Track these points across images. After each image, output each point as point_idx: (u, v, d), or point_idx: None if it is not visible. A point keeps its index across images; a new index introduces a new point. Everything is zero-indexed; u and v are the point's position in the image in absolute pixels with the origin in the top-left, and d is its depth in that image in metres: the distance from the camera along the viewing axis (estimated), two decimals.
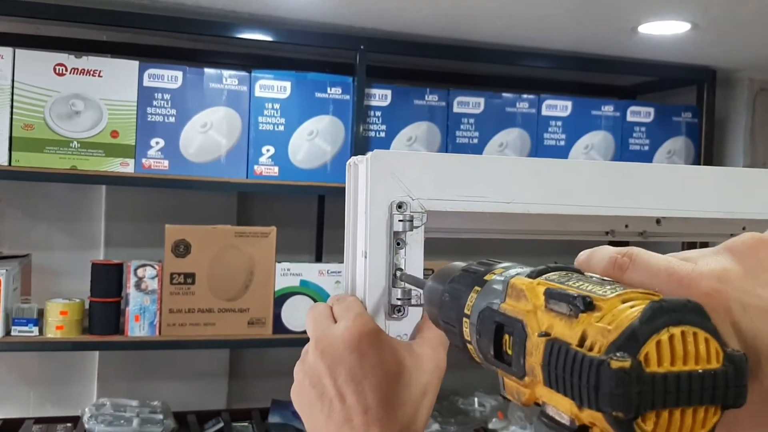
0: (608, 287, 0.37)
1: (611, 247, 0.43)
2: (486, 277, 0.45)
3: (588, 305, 0.35)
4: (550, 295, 0.37)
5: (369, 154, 0.61)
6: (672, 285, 0.39)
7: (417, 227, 0.61)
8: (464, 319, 0.44)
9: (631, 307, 0.34)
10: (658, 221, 0.70)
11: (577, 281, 0.39)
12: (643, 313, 0.33)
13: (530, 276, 0.41)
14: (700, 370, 0.32)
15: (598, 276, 0.40)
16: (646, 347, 0.32)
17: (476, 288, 0.44)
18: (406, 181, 0.60)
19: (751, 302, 0.37)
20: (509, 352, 0.39)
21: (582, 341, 0.34)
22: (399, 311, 0.61)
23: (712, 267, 0.39)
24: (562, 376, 0.34)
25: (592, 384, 0.32)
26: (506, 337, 0.39)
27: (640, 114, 2.65)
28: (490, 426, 2.55)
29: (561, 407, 0.35)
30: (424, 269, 0.62)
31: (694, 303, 0.34)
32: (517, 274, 0.43)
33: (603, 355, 0.32)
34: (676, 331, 0.32)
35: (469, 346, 0.44)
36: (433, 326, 0.57)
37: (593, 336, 0.33)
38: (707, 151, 2.66)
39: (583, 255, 0.45)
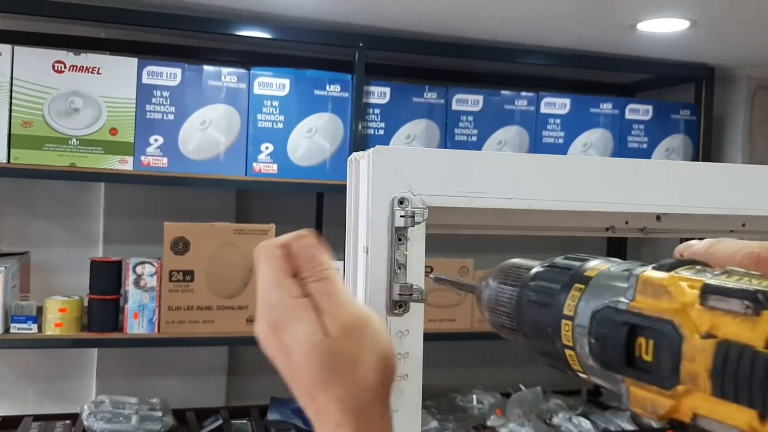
0: (763, 279, 0.33)
1: (734, 240, 0.40)
2: (587, 273, 0.40)
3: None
4: (711, 290, 0.33)
5: (371, 150, 0.61)
6: None
7: (418, 223, 0.61)
8: (564, 321, 0.40)
9: None
10: (658, 217, 0.70)
11: (729, 275, 0.35)
12: None
13: (665, 270, 0.37)
14: None
15: (741, 270, 0.36)
16: None
17: (577, 285, 0.40)
18: (408, 177, 0.60)
19: None
20: (647, 357, 0.35)
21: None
22: (400, 307, 0.61)
23: None
24: (744, 384, 0.30)
25: None
26: (641, 340, 0.35)
27: (639, 111, 2.65)
28: (489, 423, 2.55)
29: (733, 421, 0.31)
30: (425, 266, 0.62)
31: None
32: (628, 269, 0.38)
33: None
34: None
35: (568, 352, 0.40)
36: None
37: None
38: (705, 148, 2.67)
39: (695, 248, 0.41)
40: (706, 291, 0.33)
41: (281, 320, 0.50)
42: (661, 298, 0.35)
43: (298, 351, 0.49)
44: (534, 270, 0.45)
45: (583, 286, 0.40)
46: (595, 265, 0.41)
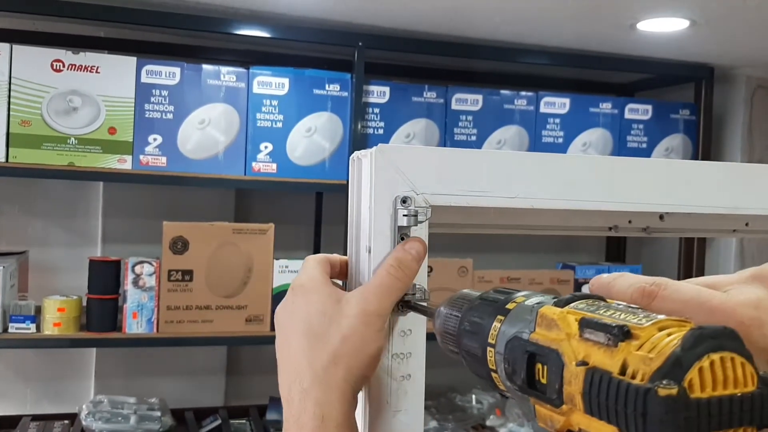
0: (641, 316, 0.38)
1: (635, 275, 0.45)
2: (508, 306, 0.45)
3: (626, 334, 0.36)
4: (586, 324, 0.38)
5: (373, 148, 0.60)
6: (703, 313, 0.41)
7: (421, 222, 0.60)
8: (488, 348, 0.45)
9: (669, 335, 0.35)
10: (661, 217, 0.70)
11: (608, 310, 0.40)
12: (684, 341, 0.34)
13: (557, 305, 0.42)
14: (739, 394, 0.34)
15: (624, 304, 0.42)
16: (690, 374, 0.33)
17: (499, 317, 0.45)
18: (411, 176, 0.60)
19: None
20: (543, 380, 0.40)
21: (623, 370, 0.35)
22: (403, 306, 0.61)
23: (748, 296, 0.41)
24: (605, 405, 0.35)
25: (639, 412, 0.33)
26: (539, 366, 0.40)
27: (638, 111, 2.65)
28: (488, 423, 2.55)
29: None
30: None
31: (730, 329, 0.35)
32: (540, 302, 0.43)
33: (648, 383, 0.33)
34: (716, 357, 0.34)
35: (494, 374, 0.45)
36: (378, 278, 0.57)
37: (635, 364, 0.35)
38: (705, 148, 2.67)
39: (601, 281, 0.46)
40: (582, 324, 0.38)
41: None
42: (552, 330, 0.40)
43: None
44: (471, 302, 0.51)
45: (503, 318, 0.45)
46: (516, 297, 0.46)
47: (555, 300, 0.43)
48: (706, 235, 0.76)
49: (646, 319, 0.37)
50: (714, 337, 0.34)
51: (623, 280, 0.45)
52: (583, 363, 0.37)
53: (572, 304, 0.41)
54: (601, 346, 0.36)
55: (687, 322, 0.37)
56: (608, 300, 0.42)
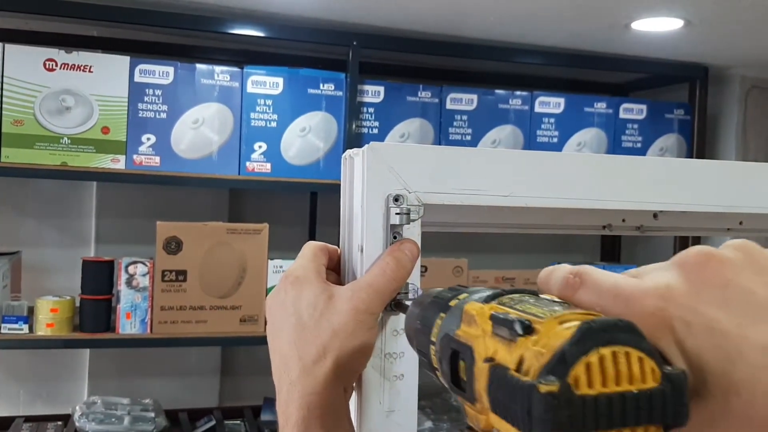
0: (556, 308, 0.36)
1: (567, 267, 0.42)
2: (451, 303, 0.44)
3: (527, 329, 0.34)
4: (494, 319, 0.37)
5: (365, 146, 0.60)
6: (619, 304, 0.38)
7: (414, 220, 0.60)
8: (431, 346, 0.44)
9: (566, 329, 0.33)
10: (655, 215, 0.70)
11: (527, 304, 0.38)
12: (573, 335, 0.32)
13: (485, 300, 0.40)
14: (635, 391, 0.31)
15: (550, 298, 0.40)
16: (575, 369, 0.31)
17: (441, 315, 0.44)
18: (403, 174, 0.60)
19: (695, 320, 0.36)
20: (464, 378, 0.38)
21: (519, 365, 0.33)
22: (396, 305, 0.60)
23: (656, 284, 0.38)
24: (503, 402, 0.33)
25: (525, 409, 0.31)
26: (461, 363, 0.39)
27: (633, 111, 2.65)
28: None
29: None
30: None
31: (626, 322, 0.33)
32: (478, 299, 0.42)
33: (534, 380, 0.31)
34: (606, 351, 0.32)
35: (437, 373, 0.44)
36: (372, 277, 0.58)
37: (529, 360, 0.33)
38: (699, 148, 2.67)
39: (542, 274, 0.43)
40: (492, 320, 0.37)
41: None
42: (472, 326, 0.39)
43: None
44: (425, 299, 0.49)
45: (444, 315, 0.44)
46: (459, 295, 0.45)
47: (485, 296, 0.41)
48: (700, 233, 0.76)
49: (551, 313, 0.35)
50: (605, 331, 0.32)
51: (556, 272, 0.42)
52: (490, 359, 0.35)
53: (498, 299, 0.40)
54: (506, 341, 0.35)
55: (594, 315, 0.35)
56: (541, 295, 0.41)
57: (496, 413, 0.34)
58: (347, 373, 0.57)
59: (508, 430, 0.34)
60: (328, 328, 0.56)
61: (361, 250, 0.60)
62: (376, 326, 0.58)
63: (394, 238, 0.60)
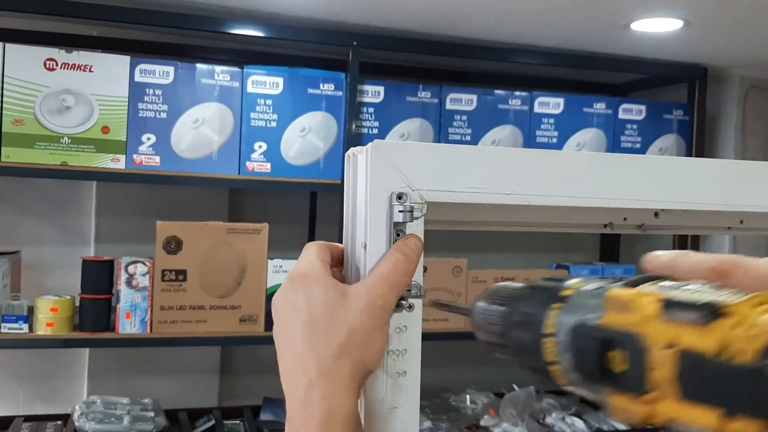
0: (726, 293, 0.36)
1: (696, 254, 0.43)
2: (563, 293, 0.43)
3: (719, 312, 0.34)
4: (670, 304, 0.36)
5: (369, 144, 0.60)
6: None
7: (417, 218, 0.60)
8: (544, 339, 0.43)
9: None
10: (656, 214, 0.70)
11: (685, 289, 0.38)
12: None
13: (627, 287, 0.40)
14: None
15: (699, 283, 0.40)
16: None
17: (554, 305, 0.43)
18: (406, 172, 0.60)
19: None
20: (618, 369, 0.38)
21: (720, 350, 0.33)
22: (399, 303, 0.60)
23: None
24: (704, 388, 0.33)
25: (749, 392, 0.31)
26: (612, 353, 0.38)
27: (632, 111, 2.65)
28: (482, 423, 2.55)
29: (700, 421, 0.34)
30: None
31: None
32: (600, 287, 0.41)
33: (759, 362, 0.32)
34: None
35: (552, 367, 0.43)
36: (385, 273, 0.56)
37: (737, 343, 0.33)
38: (698, 148, 2.68)
39: (660, 259, 0.44)
40: (666, 305, 0.36)
41: None
42: (626, 314, 0.38)
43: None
44: (518, 291, 0.48)
45: (560, 305, 0.43)
46: (571, 284, 0.44)
47: (623, 283, 0.41)
48: (701, 232, 0.76)
49: (737, 296, 0.35)
50: None
51: (686, 259, 0.43)
52: (671, 345, 0.35)
53: (641, 286, 0.39)
54: (691, 326, 0.34)
55: None
56: (674, 280, 0.40)
57: (689, 401, 0.34)
58: (364, 373, 0.56)
59: (702, 417, 0.33)
60: (343, 327, 0.55)
61: (365, 247, 0.60)
62: (389, 324, 0.58)
63: (398, 235, 0.60)
